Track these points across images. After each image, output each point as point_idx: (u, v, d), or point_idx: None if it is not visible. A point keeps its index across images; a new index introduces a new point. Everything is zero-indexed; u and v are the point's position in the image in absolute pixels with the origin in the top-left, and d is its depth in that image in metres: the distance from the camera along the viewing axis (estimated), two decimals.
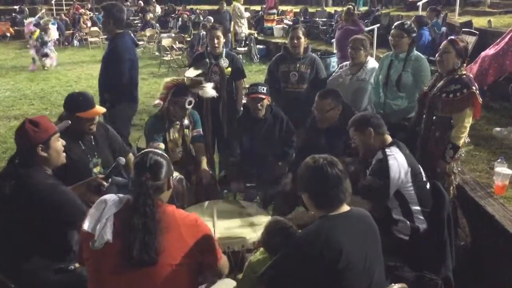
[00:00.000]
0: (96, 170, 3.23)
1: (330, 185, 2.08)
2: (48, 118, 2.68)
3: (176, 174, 3.63)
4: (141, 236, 1.91)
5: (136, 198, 1.99)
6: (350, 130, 3.09)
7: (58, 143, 2.62)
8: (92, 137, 3.27)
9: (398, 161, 2.83)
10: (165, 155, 2.22)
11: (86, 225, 1.98)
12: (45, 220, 2.43)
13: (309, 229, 2.08)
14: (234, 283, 2.52)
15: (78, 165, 3.08)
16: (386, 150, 2.89)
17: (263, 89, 4.04)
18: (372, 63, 4.60)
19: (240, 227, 3.15)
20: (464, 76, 3.49)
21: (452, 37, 3.89)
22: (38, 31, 12.75)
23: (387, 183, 2.79)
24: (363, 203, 2.75)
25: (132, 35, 5.33)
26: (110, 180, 2.88)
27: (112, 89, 4.76)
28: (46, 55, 12.81)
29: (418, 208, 2.88)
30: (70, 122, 2.93)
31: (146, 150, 2.23)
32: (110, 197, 2.08)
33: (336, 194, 2.09)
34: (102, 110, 3.28)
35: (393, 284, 2.17)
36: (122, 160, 3.06)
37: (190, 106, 3.85)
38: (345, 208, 2.13)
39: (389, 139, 2.98)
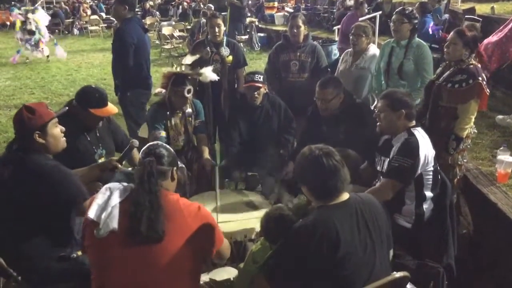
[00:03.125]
0: (101, 161, 3.24)
1: (327, 176, 2.08)
2: (46, 105, 2.66)
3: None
4: (148, 213, 1.95)
5: (141, 176, 2.03)
6: (381, 101, 2.97)
7: (56, 129, 2.60)
8: (96, 129, 3.28)
9: (425, 142, 2.81)
10: (170, 148, 2.26)
11: (91, 213, 1.99)
12: (45, 201, 2.42)
13: (308, 219, 2.08)
14: (235, 271, 2.53)
15: (83, 156, 3.10)
16: (413, 130, 2.84)
17: (260, 78, 4.01)
18: (372, 50, 4.56)
19: (242, 217, 3.15)
20: (472, 66, 3.45)
21: (460, 27, 3.86)
22: (18, 21, 12.12)
23: (417, 161, 2.73)
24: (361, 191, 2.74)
25: (141, 20, 5.29)
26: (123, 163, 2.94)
27: (120, 75, 4.79)
28: (34, 46, 12.10)
29: (430, 193, 2.86)
30: (67, 108, 2.90)
31: (152, 143, 2.26)
32: (115, 185, 2.11)
33: (334, 184, 2.08)
34: (115, 110, 3.27)
35: (394, 272, 2.16)
36: (136, 142, 3.06)
37: (190, 95, 3.83)
38: (344, 196, 2.12)
39: (414, 123, 2.93)
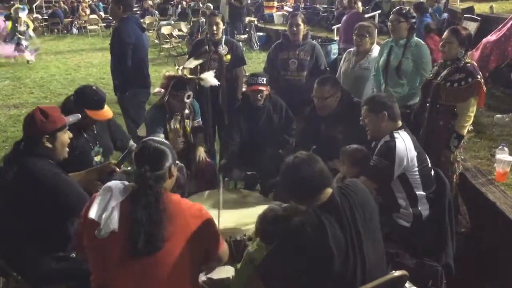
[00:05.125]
0: (97, 159, 3.23)
1: (299, 181, 2.12)
2: (59, 109, 2.66)
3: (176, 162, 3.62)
4: (146, 228, 1.92)
5: (136, 190, 2.00)
6: (364, 108, 3.02)
7: (65, 136, 2.61)
8: (94, 126, 3.27)
9: (406, 145, 2.82)
10: (166, 142, 2.20)
11: (91, 213, 1.97)
12: (45, 207, 2.43)
13: (297, 219, 2.08)
14: (234, 270, 2.53)
15: (80, 153, 3.07)
16: (395, 133, 2.87)
17: (263, 80, 4.00)
18: (376, 51, 4.56)
19: (241, 216, 3.14)
20: (469, 64, 3.46)
21: (455, 26, 3.86)
22: (10, 23, 12.01)
23: (392, 164, 2.77)
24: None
25: (139, 19, 5.29)
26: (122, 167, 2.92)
27: (119, 75, 4.81)
28: (23, 49, 11.90)
29: (422, 193, 2.87)
30: (80, 116, 2.90)
31: (146, 138, 2.21)
32: (116, 184, 2.06)
33: (309, 187, 2.10)
34: (110, 114, 3.25)
35: (393, 271, 2.17)
36: (135, 146, 3.05)
37: (189, 100, 3.83)
38: (327, 193, 2.11)
39: (399, 123, 2.95)
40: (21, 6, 13.22)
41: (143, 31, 5.04)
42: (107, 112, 3.20)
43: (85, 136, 3.19)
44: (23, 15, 12.26)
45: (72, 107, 3.07)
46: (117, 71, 4.90)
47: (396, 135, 2.86)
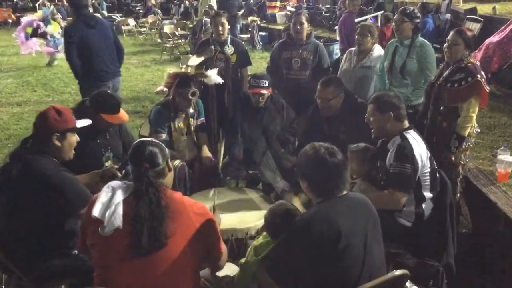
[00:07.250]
0: (107, 164, 3.26)
1: (330, 175, 2.11)
2: (71, 111, 2.71)
3: (177, 162, 3.64)
4: (149, 223, 1.95)
5: (138, 188, 2.02)
6: (370, 106, 2.99)
7: (73, 138, 2.65)
8: (106, 131, 3.30)
9: (419, 145, 2.81)
10: (156, 141, 2.23)
11: (95, 211, 1.99)
12: (48, 204, 2.45)
13: (308, 212, 2.13)
14: (236, 267, 2.54)
15: (90, 158, 3.10)
16: (406, 134, 2.84)
17: (265, 83, 3.98)
18: (378, 50, 4.57)
19: (243, 215, 3.15)
20: (470, 64, 3.45)
21: (459, 28, 3.86)
22: (30, 28, 12.13)
23: (415, 165, 2.73)
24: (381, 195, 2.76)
25: (88, 18, 5.34)
26: (124, 171, 2.92)
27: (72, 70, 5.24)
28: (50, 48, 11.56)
29: (430, 194, 2.86)
30: (91, 122, 2.93)
31: (138, 140, 2.25)
32: (117, 183, 2.10)
33: (336, 184, 2.11)
34: (126, 117, 3.31)
35: (394, 270, 2.18)
36: None
37: (194, 98, 3.84)
38: (343, 192, 2.15)
39: (406, 124, 2.93)
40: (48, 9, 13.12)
41: (93, 28, 5.14)
42: (123, 115, 3.25)
43: (98, 141, 3.22)
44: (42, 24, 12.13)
45: (88, 112, 3.09)
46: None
47: (407, 135, 2.83)
